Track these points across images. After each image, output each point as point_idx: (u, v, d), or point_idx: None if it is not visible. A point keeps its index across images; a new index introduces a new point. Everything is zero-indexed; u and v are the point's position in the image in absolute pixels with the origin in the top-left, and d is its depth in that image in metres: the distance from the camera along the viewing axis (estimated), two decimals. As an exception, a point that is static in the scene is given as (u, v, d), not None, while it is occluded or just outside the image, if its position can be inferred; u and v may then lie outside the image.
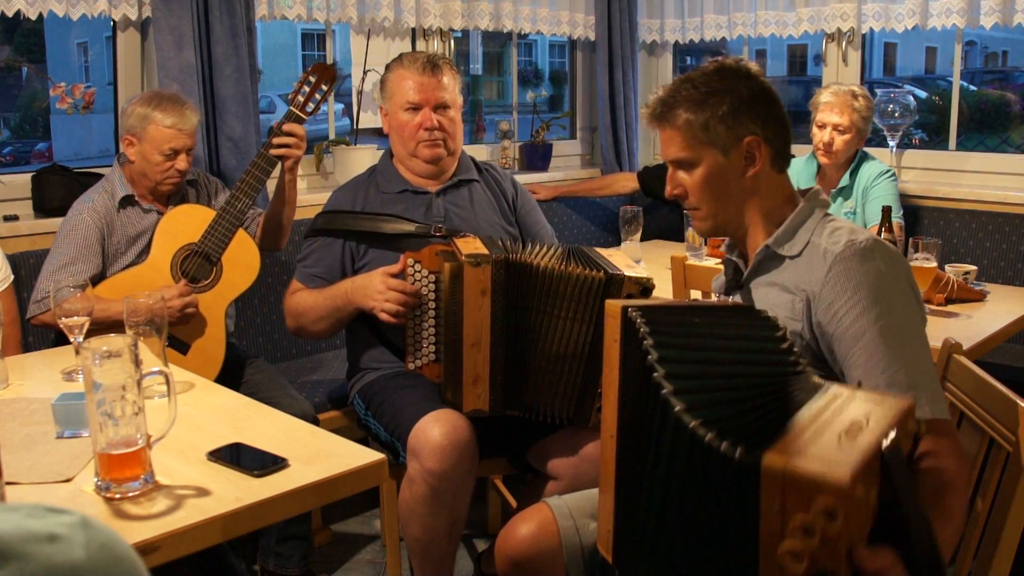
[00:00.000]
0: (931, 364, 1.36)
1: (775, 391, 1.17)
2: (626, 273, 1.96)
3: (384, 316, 2.10)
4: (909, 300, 1.38)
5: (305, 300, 2.27)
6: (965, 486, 1.27)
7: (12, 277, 2.40)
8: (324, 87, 2.45)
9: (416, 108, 2.30)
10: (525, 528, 1.58)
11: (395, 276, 2.13)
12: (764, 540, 1.03)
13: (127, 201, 2.42)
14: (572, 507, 1.59)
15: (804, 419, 1.08)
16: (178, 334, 2.35)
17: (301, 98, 2.43)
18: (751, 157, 1.47)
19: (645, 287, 1.97)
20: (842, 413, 1.09)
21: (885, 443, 1.03)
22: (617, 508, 1.36)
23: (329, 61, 3.47)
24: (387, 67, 2.39)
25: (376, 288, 2.11)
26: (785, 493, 0.99)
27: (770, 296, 1.49)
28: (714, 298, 1.60)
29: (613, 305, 1.34)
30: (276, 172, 2.49)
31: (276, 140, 2.40)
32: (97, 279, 2.35)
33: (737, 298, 1.55)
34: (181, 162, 2.42)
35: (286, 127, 2.40)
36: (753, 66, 1.51)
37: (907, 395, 1.28)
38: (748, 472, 1.02)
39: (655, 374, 1.16)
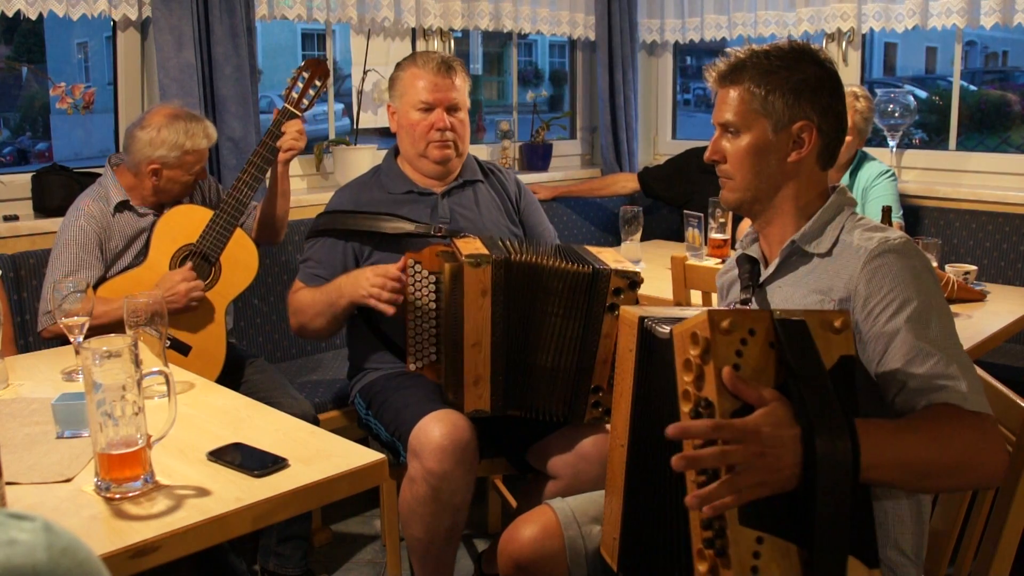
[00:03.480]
0: (968, 359, 1.33)
1: None
2: (613, 267, 1.96)
3: (373, 303, 2.09)
4: (941, 298, 1.37)
5: (304, 298, 2.28)
6: (967, 434, 1.22)
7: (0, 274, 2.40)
8: (317, 83, 2.45)
9: (429, 108, 2.30)
10: (528, 530, 1.58)
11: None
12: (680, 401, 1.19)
13: (123, 206, 2.41)
14: (576, 510, 1.59)
15: None
16: (179, 335, 2.35)
17: (295, 95, 2.44)
18: (799, 142, 1.45)
19: (632, 280, 1.97)
20: None
21: (779, 314, 1.14)
22: (625, 515, 1.36)
23: (329, 61, 3.47)
24: (398, 65, 2.38)
25: (364, 276, 2.12)
26: (683, 345, 1.16)
27: (795, 297, 1.46)
28: (730, 306, 1.57)
29: (631, 315, 1.34)
30: (270, 169, 2.50)
31: (281, 143, 2.42)
32: (97, 282, 2.34)
33: (754, 304, 1.51)
34: (204, 172, 2.47)
35: (284, 125, 2.41)
36: (826, 56, 1.49)
37: (949, 384, 1.26)
38: (669, 346, 1.20)
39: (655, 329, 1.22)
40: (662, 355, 1.24)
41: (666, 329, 1.22)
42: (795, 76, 1.44)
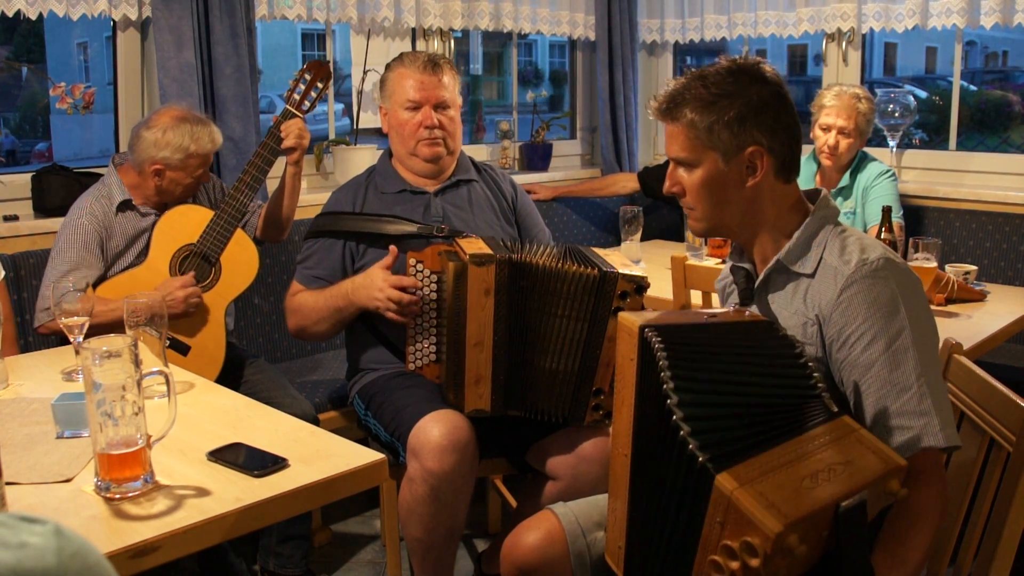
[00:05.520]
0: (943, 388, 1.34)
1: (782, 414, 1.19)
2: (620, 271, 1.96)
3: (390, 315, 2.10)
4: (921, 322, 1.35)
5: (306, 302, 2.27)
6: (934, 522, 1.27)
7: (3, 274, 2.40)
8: (319, 85, 2.46)
9: (416, 107, 2.30)
10: (532, 536, 1.57)
11: (391, 269, 2.13)
12: (703, 542, 1.14)
13: (125, 205, 2.41)
14: (579, 515, 1.58)
15: (789, 446, 1.13)
16: (178, 335, 2.35)
17: (297, 96, 2.45)
18: (752, 167, 1.42)
19: (639, 285, 1.96)
20: (828, 449, 1.13)
21: (845, 503, 1.07)
22: (630, 524, 1.36)
23: (329, 61, 3.47)
24: (387, 66, 2.40)
25: (376, 286, 2.11)
26: (727, 513, 1.09)
27: (783, 317, 1.45)
28: (729, 308, 1.56)
29: (631, 322, 1.32)
30: (272, 171, 2.50)
31: (285, 144, 2.43)
32: (97, 282, 2.34)
33: (754, 309, 1.51)
34: (206, 175, 2.46)
35: (284, 125, 2.42)
36: (769, 69, 1.44)
37: (921, 422, 1.28)
38: (706, 480, 1.11)
39: (667, 390, 1.18)
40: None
41: (697, 454, 1.13)
42: (737, 103, 1.39)
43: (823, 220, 1.46)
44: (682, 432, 1.15)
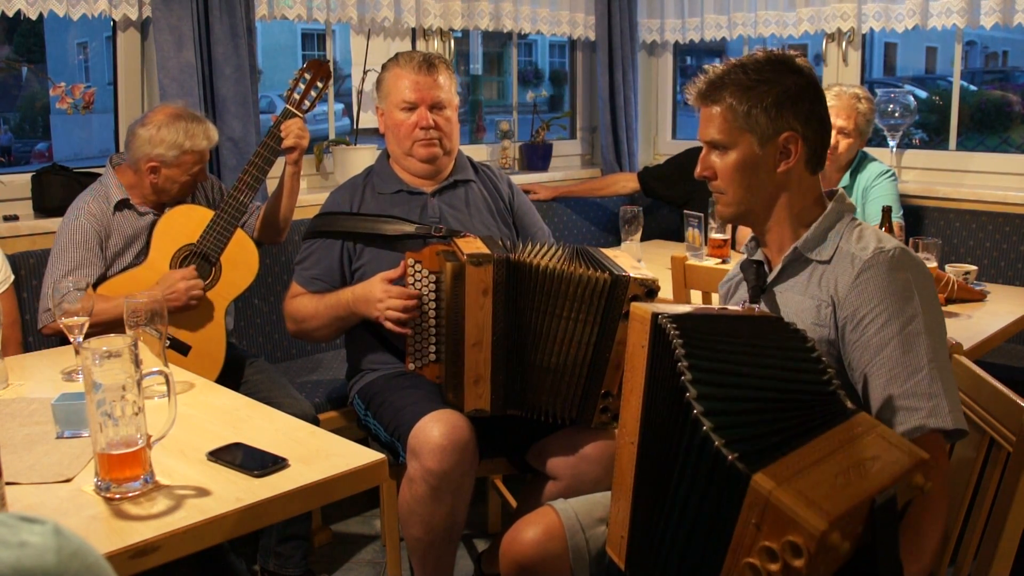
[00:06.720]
0: (952, 377, 1.36)
1: (802, 411, 1.18)
2: (631, 275, 1.96)
3: (389, 325, 2.11)
4: (933, 310, 1.39)
5: (306, 307, 2.27)
6: (944, 507, 1.30)
7: (12, 278, 2.40)
8: (319, 84, 2.46)
9: (412, 107, 2.30)
10: (531, 532, 1.58)
11: (395, 280, 2.13)
12: (734, 546, 1.09)
13: (123, 205, 2.41)
14: (578, 511, 1.59)
15: (816, 444, 1.11)
16: (178, 335, 2.35)
17: (297, 96, 2.45)
18: (786, 152, 1.47)
19: (650, 289, 1.96)
20: (853, 445, 1.11)
21: (879, 497, 1.05)
22: (634, 514, 1.35)
23: (329, 61, 3.47)
24: (383, 66, 2.39)
25: (376, 297, 2.11)
26: (764, 515, 1.05)
27: (796, 302, 1.48)
28: (738, 307, 1.58)
29: (643, 311, 1.33)
30: (272, 171, 2.50)
31: (285, 144, 2.43)
32: (97, 282, 2.34)
33: (763, 306, 1.53)
34: (203, 173, 2.45)
35: (284, 125, 2.42)
36: (804, 62, 1.50)
37: (930, 404, 1.30)
38: (738, 482, 1.07)
39: (684, 382, 1.17)
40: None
41: (725, 453, 1.09)
42: (775, 89, 1.45)
43: (840, 213, 1.51)
44: (705, 428, 1.11)
